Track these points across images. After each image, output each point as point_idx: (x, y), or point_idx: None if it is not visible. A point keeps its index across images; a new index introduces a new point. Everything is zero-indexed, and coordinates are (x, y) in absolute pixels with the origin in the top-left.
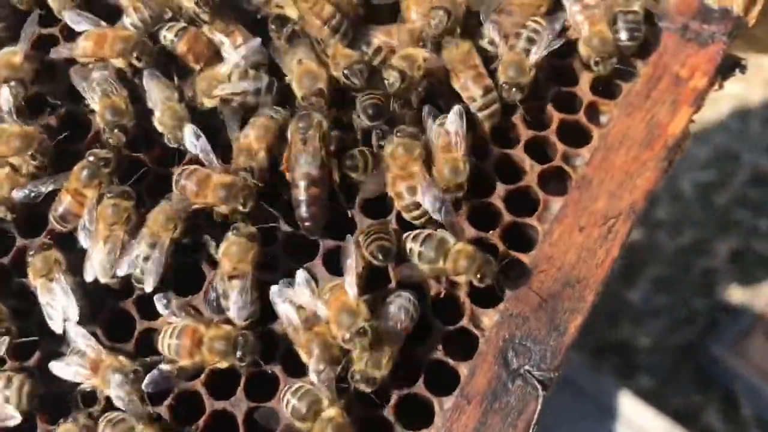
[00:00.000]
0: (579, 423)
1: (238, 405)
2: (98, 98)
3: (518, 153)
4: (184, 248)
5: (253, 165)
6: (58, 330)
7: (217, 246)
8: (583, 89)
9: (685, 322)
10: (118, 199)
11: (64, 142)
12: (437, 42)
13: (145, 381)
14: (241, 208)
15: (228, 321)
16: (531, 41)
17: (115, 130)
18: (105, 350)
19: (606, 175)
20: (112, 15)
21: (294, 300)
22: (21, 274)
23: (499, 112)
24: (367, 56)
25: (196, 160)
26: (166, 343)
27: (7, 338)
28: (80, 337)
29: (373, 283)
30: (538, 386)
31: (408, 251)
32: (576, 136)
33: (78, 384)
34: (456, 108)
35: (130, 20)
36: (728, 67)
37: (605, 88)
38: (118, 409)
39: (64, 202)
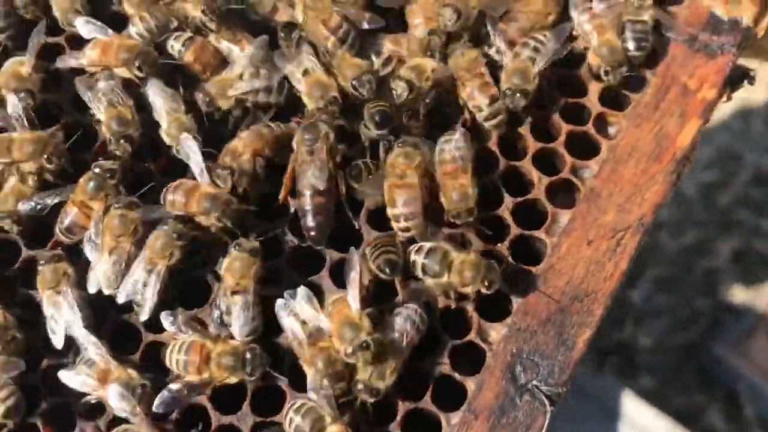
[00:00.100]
0: (582, 424)
1: (244, 419)
2: (104, 108)
3: (526, 165)
4: (192, 262)
5: (233, 166)
6: (59, 345)
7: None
8: (592, 100)
9: (688, 322)
10: (126, 210)
11: (71, 151)
12: (444, 53)
13: (156, 402)
14: (216, 221)
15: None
16: (536, 51)
17: (121, 141)
18: (114, 361)
19: (615, 187)
20: (118, 23)
21: (298, 314)
22: (28, 285)
23: (505, 122)
24: (375, 66)
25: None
26: (174, 359)
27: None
28: (91, 345)
29: (381, 296)
30: (546, 401)
31: (412, 264)
32: (584, 148)
33: (84, 394)
34: (460, 131)
35: (135, 30)
36: (737, 78)
37: (614, 99)
38: (126, 421)
39: (71, 214)
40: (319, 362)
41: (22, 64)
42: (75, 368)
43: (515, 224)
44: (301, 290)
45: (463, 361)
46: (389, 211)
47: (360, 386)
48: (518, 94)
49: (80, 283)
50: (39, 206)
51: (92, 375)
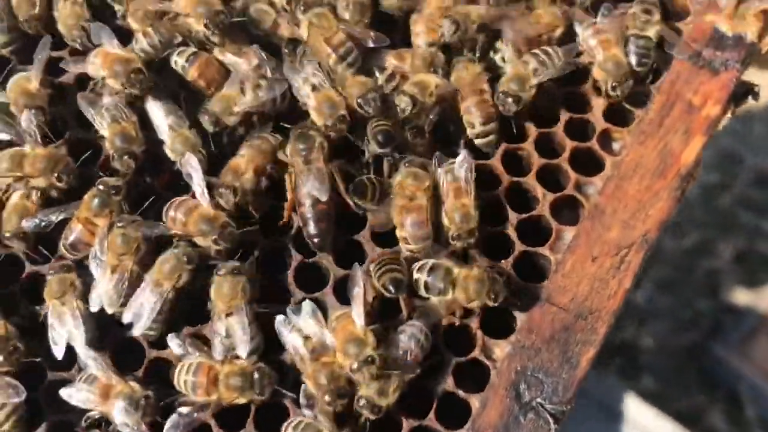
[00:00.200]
0: (583, 424)
1: None
2: (107, 124)
3: (530, 181)
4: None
5: (236, 185)
6: (60, 355)
7: None
8: (596, 116)
9: (689, 324)
10: (128, 229)
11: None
12: (447, 70)
13: (167, 426)
14: (213, 244)
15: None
16: (543, 64)
17: (125, 157)
18: (116, 375)
19: (619, 204)
20: (122, 38)
21: (301, 330)
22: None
23: (494, 143)
24: (380, 82)
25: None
26: (182, 380)
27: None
28: (91, 360)
29: (385, 313)
30: (550, 420)
31: (415, 282)
32: (589, 164)
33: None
34: (463, 153)
35: (139, 46)
36: (741, 94)
37: (618, 114)
38: None
39: (75, 230)
40: (322, 378)
41: (29, 80)
42: (76, 385)
43: (519, 241)
44: (306, 305)
45: (467, 379)
46: (398, 233)
47: (362, 402)
48: (510, 99)
49: (86, 295)
50: (43, 223)
51: (93, 391)
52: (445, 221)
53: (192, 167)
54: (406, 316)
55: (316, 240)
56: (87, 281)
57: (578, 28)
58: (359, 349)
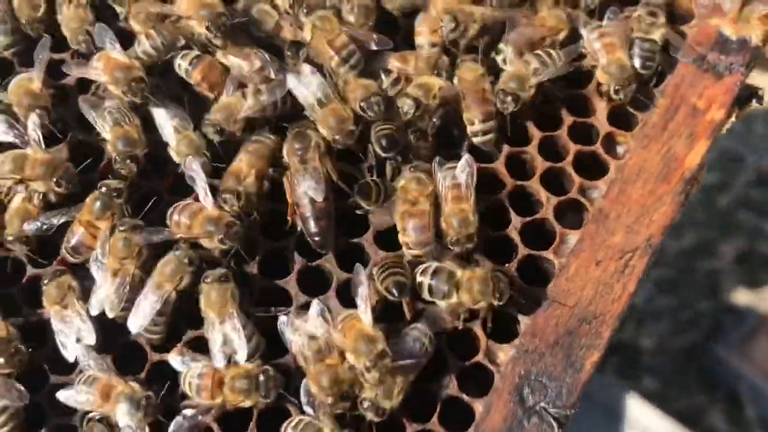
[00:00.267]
0: (583, 424)
1: None
2: (110, 128)
3: (534, 185)
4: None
5: (239, 189)
6: (71, 358)
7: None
8: (600, 120)
9: (689, 324)
10: (130, 233)
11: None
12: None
13: (171, 428)
14: (220, 244)
15: None
16: (544, 64)
17: (127, 161)
18: (116, 375)
19: (623, 208)
20: (124, 40)
21: (308, 331)
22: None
23: (492, 141)
24: (383, 85)
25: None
26: (187, 381)
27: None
28: (92, 360)
29: (387, 317)
30: (554, 424)
31: (418, 285)
32: (593, 168)
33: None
34: (465, 157)
35: (141, 48)
36: (745, 97)
37: (622, 118)
38: None
39: (77, 233)
40: (324, 379)
41: (32, 80)
42: (75, 387)
43: (523, 244)
44: (315, 305)
45: (471, 383)
46: (401, 238)
47: (366, 404)
48: (509, 98)
49: (86, 294)
50: (45, 226)
51: (94, 392)
52: (444, 226)
53: (194, 170)
54: (409, 319)
55: (317, 238)
56: (86, 284)
57: (582, 31)
58: (371, 346)
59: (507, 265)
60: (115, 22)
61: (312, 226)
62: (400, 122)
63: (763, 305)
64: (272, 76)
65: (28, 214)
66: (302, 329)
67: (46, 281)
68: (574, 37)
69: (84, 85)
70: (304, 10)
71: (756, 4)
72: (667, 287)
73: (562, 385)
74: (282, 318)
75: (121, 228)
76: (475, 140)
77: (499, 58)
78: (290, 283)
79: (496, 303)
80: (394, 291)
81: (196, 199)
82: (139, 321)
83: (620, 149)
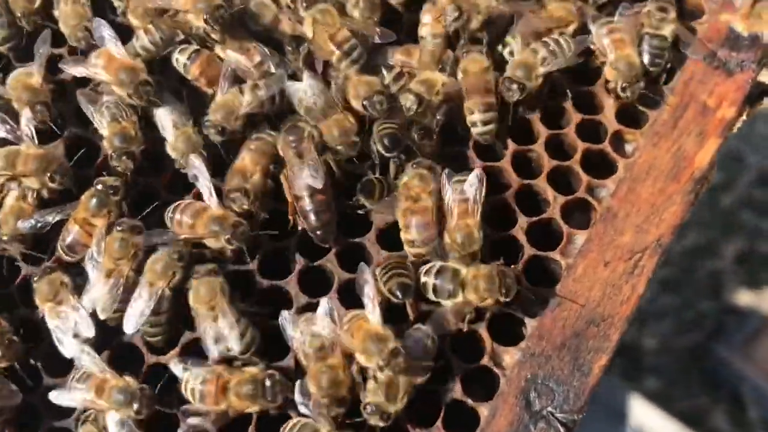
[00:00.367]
0: (587, 425)
1: None
2: (107, 123)
3: (541, 183)
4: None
5: (247, 187)
6: (69, 354)
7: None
8: (608, 117)
9: (692, 324)
10: (127, 234)
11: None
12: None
13: None
14: (227, 244)
15: (249, 363)
16: (553, 53)
17: (124, 157)
18: (109, 370)
19: (632, 207)
20: (122, 35)
21: (314, 331)
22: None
23: (492, 133)
24: (387, 80)
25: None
26: (189, 388)
27: None
28: (85, 355)
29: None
30: (562, 429)
31: (423, 286)
32: (601, 166)
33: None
34: (475, 171)
35: (140, 43)
36: (757, 95)
37: (630, 115)
38: None
39: (72, 231)
40: (324, 379)
41: (30, 75)
42: (68, 386)
43: (529, 245)
44: (323, 304)
45: (476, 386)
46: (403, 236)
47: (370, 408)
48: (515, 86)
49: (79, 290)
50: (39, 224)
51: (87, 389)
52: (447, 240)
53: (197, 168)
54: (413, 320)
55: (318, 232)
56: (78, 281)
57: (592, 26)
58: (382, 345)
59: (513, 266)
60: (113, 17)
61: (313, 220)
62: (403, 120)
63: (765, 306)
64: (272, 70)
65: (22, 213)
66: (308, 329)
67: (36, 279)
68: (583, 32)
69: (82, 78)
70: (304, 4)
71: None
72: (669, 287)
73: (569, 390)
74: (284, 314)
75: (119, 228)
76: (474, 131)
77: (505, 51)
78: (291, 284)
79: (503, 299)
80: (398, 293)
81: (196, 197)
82: (134, 321)
83: (629, 147)
